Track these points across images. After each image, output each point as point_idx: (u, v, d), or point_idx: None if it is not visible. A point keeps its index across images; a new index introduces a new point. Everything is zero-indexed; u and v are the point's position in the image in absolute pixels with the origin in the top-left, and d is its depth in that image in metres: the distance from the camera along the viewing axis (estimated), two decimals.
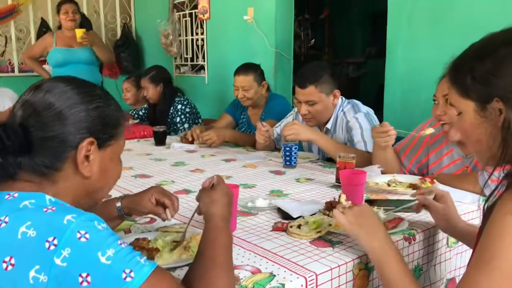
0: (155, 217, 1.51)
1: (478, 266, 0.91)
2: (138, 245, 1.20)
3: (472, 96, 0.98)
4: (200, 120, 3.58)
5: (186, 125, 3.40)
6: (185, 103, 3.47)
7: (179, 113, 3.42)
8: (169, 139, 3.02)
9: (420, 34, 3.06)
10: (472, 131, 1.00)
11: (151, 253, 1.18)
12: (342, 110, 2.40)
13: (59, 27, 4.24)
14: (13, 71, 5.19)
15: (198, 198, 1.19)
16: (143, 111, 3.69)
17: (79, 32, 4.00)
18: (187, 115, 3.43)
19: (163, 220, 1.32)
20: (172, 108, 3.47)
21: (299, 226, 1.35)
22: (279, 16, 4.03)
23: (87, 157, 0.94)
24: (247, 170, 2.21)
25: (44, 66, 4.50)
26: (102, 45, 4.34)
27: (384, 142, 1.94)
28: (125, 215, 1.31)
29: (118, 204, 1.30)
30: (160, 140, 2.92)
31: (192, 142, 2.89)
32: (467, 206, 1.59)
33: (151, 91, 3.53)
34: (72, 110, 0.92)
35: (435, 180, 1.80)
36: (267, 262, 1.17)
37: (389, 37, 3.24)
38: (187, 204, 1.65)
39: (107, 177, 1.01)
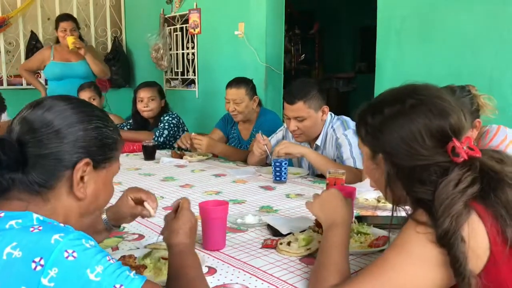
0: (144, 233, 1.50)
1: (390, 248, 1.01)
2: (125, 263, 1.18)
3: (366, 144, 1.11)
4: None
5: (166, 131, 3.36)
6: (173, 116, 3.44)
7: (164, 121, 3.39)
8: (158, 153, 3.00)
9: (409, 51, 3.10)
10: (368, 172, 1.16)
11: (139, 271, 1.16)
12: (332, 126, 2.41)
13: (57, 41, 4.24)
14: (1, 84, 5.16)
15: (162, 230, 1.18)
16: (128, 126, 3.61)
17: (70, 39, 3.99)
18: (171, 125, 3.39)
19: (146, 217, 1.30)
20: (159, 122, 3.44)
21: (288, 243, 1.34)
22: (269, 31, 4.06)
23: (82, 178, 0.93)
24: (237, 186, 2.20)
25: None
26: (96, 57, 4.31)
27: None
28: (113, 226, 1.30)
29: (104, 216, 1.28)
30: (149, 154, 2.90)
31: (181, 157, 2.88)
32: None
33: (157, 104, 3.44)
34: (70, 129, 0.91)
35: None
36: (256, 280, 1.15)
37: (378, 53, 3.28)
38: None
39: (99, 200, 1.00)
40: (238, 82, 3.05)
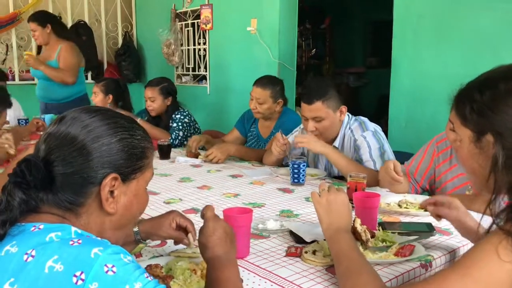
0: (166, 240, 1.49)
1: (454, 266, 0.95)
2: (152, 273, 1.17)
3: (470, 126, 1.00)
4: (199, 132, 3.55)
5: (180, 133, 3.36)
6: (184, 114, 3.44)
7: (177, 120, 3.38)
8: (173, 152, 2.99)
9: (425, 48, 3.06)
10: (467, 159, 1.03)
11: (166, 281, 1.16)
12: (349, 128, 2.38)
13: None
14: (14, 79, 5.17)
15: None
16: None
17: (26, 54, 4.06)
18: (184, 124, 3.39)
19: (184, 245, 1.32)
20: (171, 121, 3.43)
21: (314, 252, 1.33)
22: (282, 28, 4.03)
23: (111, 192, 0.91)
24: (255, 187, 2.18)
25: None
26: (68, 59, 4.05)
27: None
28: (141, 239, 1.30)
29: (136, 228, 1.28)
30: (165, 153, 2.89)
31: (196, 157, 2.86)
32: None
33: (159, 103, 3.43)
34: (94, 144, 0.89)
35: None
36: None
37: (394, 51, 3.24)
38: (196, 225, 1.61)
39: (132, 212, 0.98)
40: (266, 82, 2.98)
